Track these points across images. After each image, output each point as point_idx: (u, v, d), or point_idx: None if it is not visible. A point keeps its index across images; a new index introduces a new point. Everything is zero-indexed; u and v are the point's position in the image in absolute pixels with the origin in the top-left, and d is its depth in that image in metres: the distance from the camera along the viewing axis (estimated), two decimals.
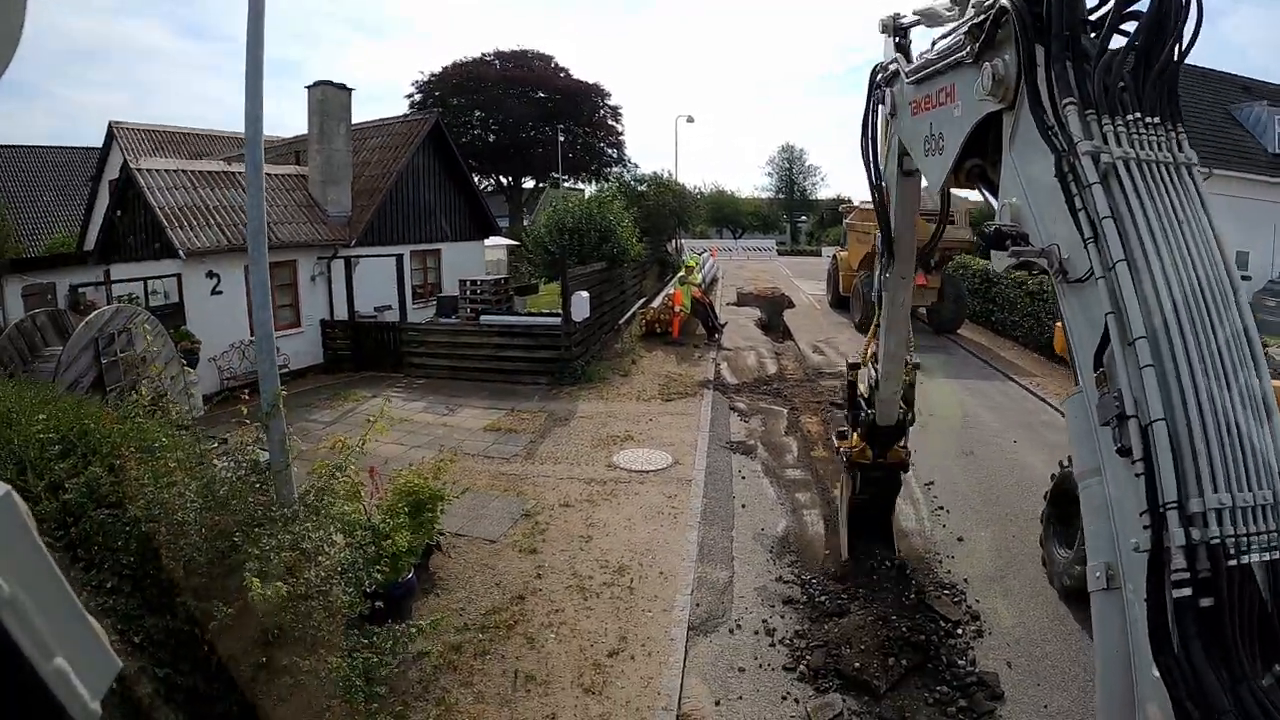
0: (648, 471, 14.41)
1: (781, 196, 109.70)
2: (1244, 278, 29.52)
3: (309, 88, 26.48)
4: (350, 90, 27.13)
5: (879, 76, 7.50)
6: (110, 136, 36.63)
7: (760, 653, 8.91)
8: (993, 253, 4.80)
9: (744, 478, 14.32)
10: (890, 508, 11.16)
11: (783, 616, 9.65)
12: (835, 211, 64.40)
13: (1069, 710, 7.98)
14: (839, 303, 35.05)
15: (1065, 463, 10.65)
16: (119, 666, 1.36)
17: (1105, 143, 4.18)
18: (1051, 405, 19.49)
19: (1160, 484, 3.66)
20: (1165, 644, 3.60)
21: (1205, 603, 3.55)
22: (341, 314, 24.75)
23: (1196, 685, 3.45)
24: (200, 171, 23.63)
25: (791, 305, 31.90)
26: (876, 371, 9.52)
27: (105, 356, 13.74)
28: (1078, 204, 4.19)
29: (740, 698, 8.13)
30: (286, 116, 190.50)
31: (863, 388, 10.13)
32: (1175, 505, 3.61)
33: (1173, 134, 4.36)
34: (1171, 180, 4.24)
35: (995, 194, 5.21)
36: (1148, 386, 3.76)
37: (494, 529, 11.79)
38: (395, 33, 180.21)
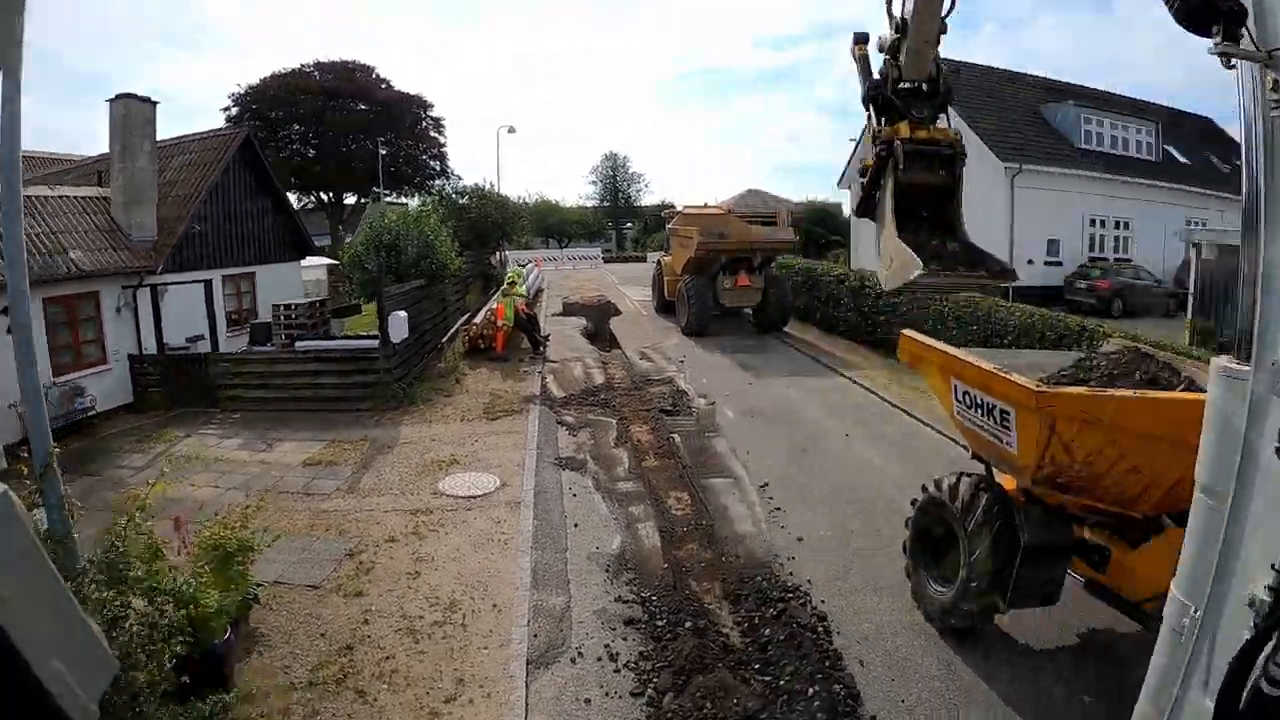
0: (475, 496, 13.99)
1: (606, 204, 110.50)
2: (1055, 263, 31.61)
3: (110, 101, 24.93)
4: (155, 103, 25.70)
5: None
6: None
7: (605, 680, 8.64)
8: (1187, 31, 3.04)
9: (575, 495, 14.07)
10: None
11: (625, 639, 9.41)
12: (659, 217, 65.10)
13: (927, 700, 8.06)
14: (665, 308, 35.25)
15: (928, 487, 9.65)
16: (117, 667, 1.44)
17: None
18: (881, 397, 20.02)
19: None
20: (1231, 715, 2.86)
21: None
22: (151, 347, 23.28)
23: None
24: None
25: (618, 313, 31.99)
26: (901, 12, 6.85)
27: None
28: None
29: None
30: (94, 133, 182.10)
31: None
32: None
33: None
34: None
35: None
36: None
37: (316, 573, 11.18)
38: (212, 45, 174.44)
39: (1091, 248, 39.35)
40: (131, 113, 24.94)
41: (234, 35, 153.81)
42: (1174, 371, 7.94)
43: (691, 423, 18.17)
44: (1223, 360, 3.18)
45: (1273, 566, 2.80)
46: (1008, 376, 7.58)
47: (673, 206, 47.04)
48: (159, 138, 26.35)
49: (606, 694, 8.41)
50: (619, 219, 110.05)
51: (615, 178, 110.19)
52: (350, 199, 78.11)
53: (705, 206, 34.96)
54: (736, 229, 30.23)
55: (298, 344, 24.23)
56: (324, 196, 74.85)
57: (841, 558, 11.19)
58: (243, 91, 68.68)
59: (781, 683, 8.35)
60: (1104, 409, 6.88)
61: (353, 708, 8.23)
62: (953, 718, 7.85)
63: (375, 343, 21.68)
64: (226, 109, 68.46)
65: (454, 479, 14.94)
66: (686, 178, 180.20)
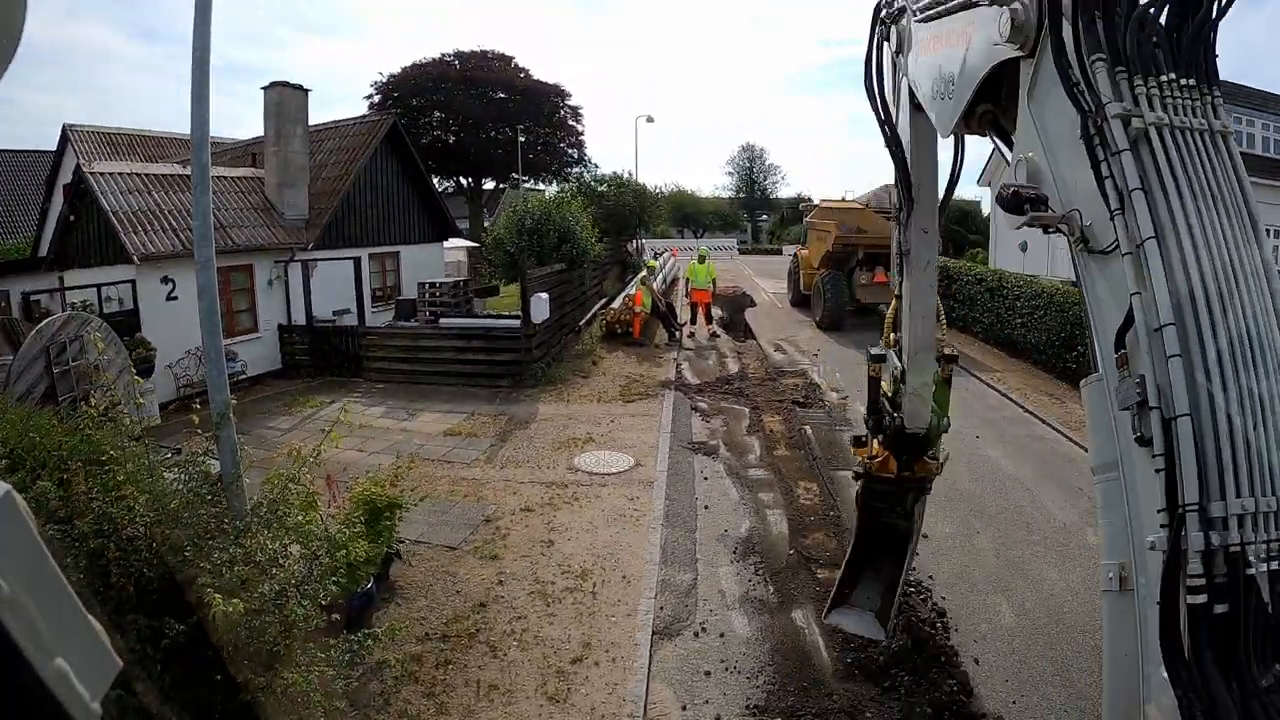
0: (609, 474, 14.37)
1: (742, 195, 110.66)
2: None
3: (265, 89, 26.30)
4: (307, 91, 27.04)
5: (883, 12, 7.03)
6: (64, 140, 36.15)
7: (726, 656, 8.87)
8: (1006, 216, 4.44)
9: (706, 479, 14.32)
10: (906, 550, 8.57)
11: (747, 619, 9.62)
12: (796, 210, 64.72)
13: (1036, 706, 8.04)
14: (800, 301, 35.26)
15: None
16: (119, 666, 1.33)
17: (1137, 105, 3.90)
18: (1013, 400, 19.77)
19: (1181, 483, 3.50)
20: (1176, 649, 3.51)
21: (1220, 609, 3.43)
22: (299, 318, 24.43)
23: (1207, 697, 3.35)
24: (154, 175, 23.37)
25: (753, 304, 32.01)
26: (901, 361, 7.86)
27: (57, 366, 13.49)
28: (1104, 171, 3.93)
29: (707, 702, 8.08)
30: (242, 118, 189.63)
31: (885, 384, 8.27)
32: (1196, 508, 3.45)
33: (1209, 98, 4.07)
34: (1207, 150, 3.97)
35: (1008, 143, 4.98)
36: (1174, 378, 3.57)
37: (454, 535, 11.66)
38: (349, 33, 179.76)
39: None
40: (285, 99, 26.37)
41: (373, 26, 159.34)
42: None
43: (823, 415, 18.25)
44: (1089, 377, 4.28)
45: (1158, 512, 3.59)
46: None
47: (810, 200, 46.91)
48: (309, 123, 27.71)
49: (726, 669, 8.65)
50: (754, 211, 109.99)
51: (752, 169, 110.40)
52: (489, 184, 79.36)
53: (843, 201, 34.63)
54: (874, 224, 29.57)
55: (442, 321, 25.20)
56: (463, 181, 76.08)
57: (963, 556, 11.21)
58: (384, 79, 70.42)
59: (896, 672, 8.50)
60: None
61: (483, 660, 8.65)
62: None
63: (517, 322, 22.25)
64: (369, 96, 69.94)
65: (589, 456, 15.35)
66: (824, 171, 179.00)
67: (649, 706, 8.00)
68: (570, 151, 77.72)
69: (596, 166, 78.17)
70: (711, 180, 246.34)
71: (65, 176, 33.72)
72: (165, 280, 20.85)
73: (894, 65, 7.04)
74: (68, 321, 14.27)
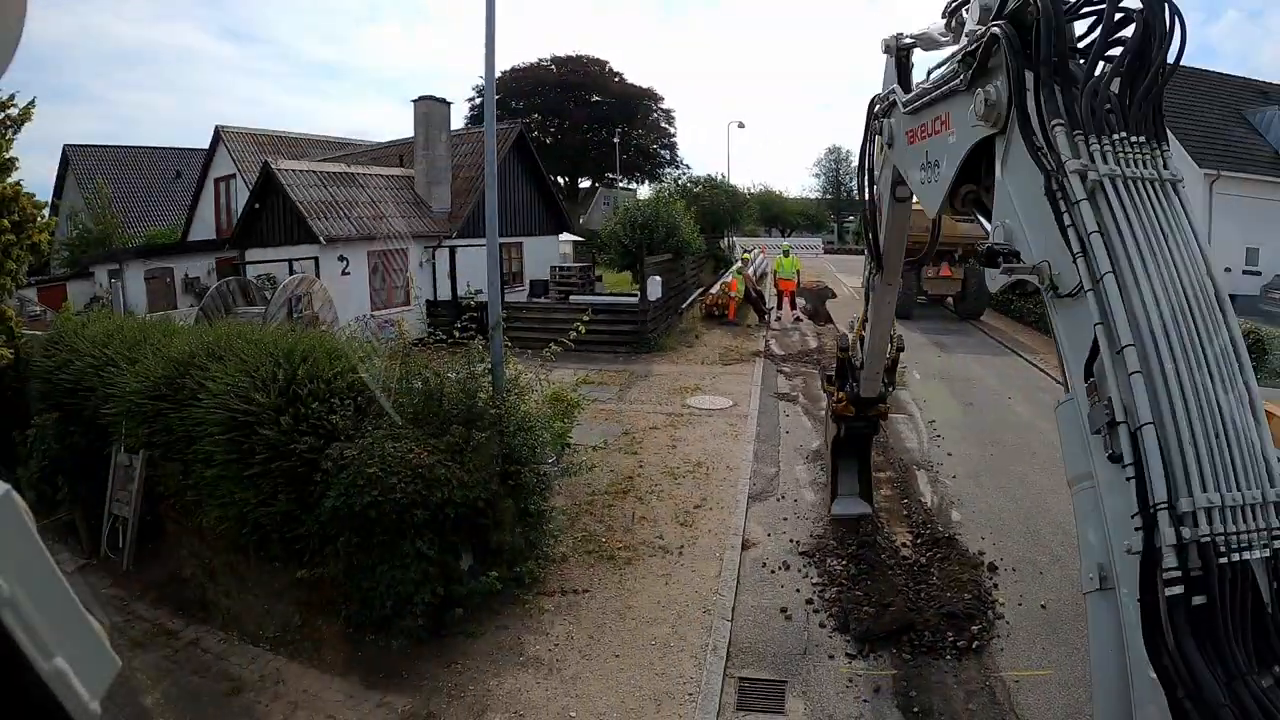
0: (714, 409, 18.46)
1: (829, 197, 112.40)
2: (1254, 272, 30.44)
3: (414, 101, 30.84)
4: (449, 104, 31.61)
5: (877, 107, 7.74)
6: (216, 139, 39.99)
7: (798, 511, 12.83)
8: (987, 271, 5.00)
9: (787, 415, 18.39)
10: (869, 450, 12.53)
11: (813, 494, 13.56)
12: None
13: (1010, 548, 11.50)
14: None
15: None
16: (119, 666, 1.39)
17: (1092, 161, 4.28)
18: (1049, 374, 22.68)
19: (1150, 485, 3.75)
20: (1161, 645, 3.67)
21: (1198, 600, 3.63)
22: (443, 295, 28.69)
23: (1192, 682, 3.51)
24: (326, 172, 28.02)
25: (833, 296, 35.20)
26: (862, 356, 10.98)
27: (295, 312, 17.84)
28: (1066, 221, 4.29)
29: (783, 533, 12.05)
30: (328, 115, 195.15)
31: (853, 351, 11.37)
32: (1165, 505, 3.69)
33: (1158, 152, 4.45)
34: (1157, 196, 4.35)
35: (989, 219, 5.31)
36: (1135, 392, 3.86)
37: (602, 441, 15.66)
38: (433, 27, 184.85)
39: None
40: (432, 111, 30.82)
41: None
42: None
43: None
44: (1061, 399, 4.73)
45: (1132, 517, 3.87)
46: None
47: None
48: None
49: (798, 517, 12.64)
50: (841, 212, 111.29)
51: (838, 171, 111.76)
52: (584, 183, 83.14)
53: (914, 201, 36.68)
54: (942, 223, 32.03)
55: (571, 298, 29.53)
56: (560, 180, 78.51)
57: (978, 466, 14.90)
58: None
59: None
60: None
61: (634, 505, 12.79)
62: (1038, 572, 10.79)
63: (634, 300, 26.50)
64: (471, 99, 72.31)
65: (698, 398, 19.49)
66: None
67: (746, 531, 12.04)
68: (663, 153, 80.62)
69: (689, 167, 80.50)
70: (799, 181, 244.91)
71: (218, 170, 38.27)
72: (341, 258, 25.34)
73: (883, 157, 8.09)
74: (301, 281, 18.67)
